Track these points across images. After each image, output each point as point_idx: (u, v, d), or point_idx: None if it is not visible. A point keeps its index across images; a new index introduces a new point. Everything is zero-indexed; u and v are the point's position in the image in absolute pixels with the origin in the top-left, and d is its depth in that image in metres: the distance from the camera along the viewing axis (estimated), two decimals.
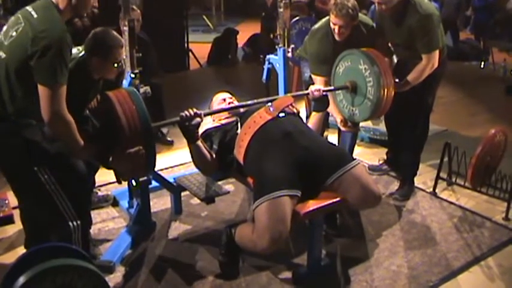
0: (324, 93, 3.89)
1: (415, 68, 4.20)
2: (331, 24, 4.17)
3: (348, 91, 4.09)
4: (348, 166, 3.32)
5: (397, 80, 4.16)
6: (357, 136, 4.87)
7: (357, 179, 3.29)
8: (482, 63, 10.46)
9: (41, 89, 2.82)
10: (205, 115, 3.42)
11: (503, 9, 12.82)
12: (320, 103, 3.88)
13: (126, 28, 3.63)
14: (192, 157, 3.54)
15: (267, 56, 4.89)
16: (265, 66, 4.94)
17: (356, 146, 4.97)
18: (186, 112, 3.30)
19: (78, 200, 3.24)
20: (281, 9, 4.51)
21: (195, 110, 3.30)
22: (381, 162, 5.17)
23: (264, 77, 4.99)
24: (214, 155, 3.59)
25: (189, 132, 3.37)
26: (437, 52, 4.18)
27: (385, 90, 3.88)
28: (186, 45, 9.78)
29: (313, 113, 3.92)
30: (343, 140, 4.78)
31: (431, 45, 4.15)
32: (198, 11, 16.20)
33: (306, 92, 3.98)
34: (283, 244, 3.16)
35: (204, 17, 16.13)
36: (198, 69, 10.07)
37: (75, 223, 3.14)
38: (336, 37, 4.20)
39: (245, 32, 11.42)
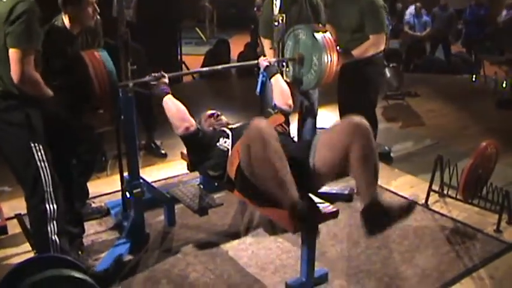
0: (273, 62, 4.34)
1: (362, 44, 4.73)
2: None
3: (295, 62, 4.47)
4: (314, 141, 3.35)
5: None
6: (315, 126, 5.21)
7: (325, 138, 3.30)
8: (474, 76, 10.54)
9: (13, 52, 2.98)
10: (170, 78, 3.87)
11: (494, 22, 12.94)
12: (271, 68, 4.31)
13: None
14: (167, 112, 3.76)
15: (261, 69, 4.91)
16: (259, 79, 4.94)
17: None
18: (154, 74, 3.72)
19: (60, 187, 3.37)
20: (276, 23, 4.52)
21: (161, 72, 3.76)
22: None
23: (258, 89, 4.98)
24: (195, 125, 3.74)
25: (158, 89, 3.75)
26: (383, 35, 4.78)
27: (329, 63, 4.23)
28: (179, 57, 9.82)
29: (272, 79, 4.27)
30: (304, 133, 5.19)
31: (379, 27, 4.77)
32: (191, 23, 16.26)
33: (256, 61, 4.50)
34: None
35: (197, 29, 16.19)
36: (191, 81, 10.11)
37: (51, 206, 3.25)
38: None
39: (239, 44, 11.48)
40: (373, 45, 4.78)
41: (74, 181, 3.81)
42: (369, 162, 3.13)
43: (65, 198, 3.43)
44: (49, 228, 3.24)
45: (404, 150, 6.12)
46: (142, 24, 7.21)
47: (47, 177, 3.22)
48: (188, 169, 4.12)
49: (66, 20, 3.65)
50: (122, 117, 3.63)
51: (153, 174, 5.25)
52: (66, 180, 3.59)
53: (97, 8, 3.73)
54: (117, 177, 4.25)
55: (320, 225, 3.45)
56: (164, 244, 4.06)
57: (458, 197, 4.59)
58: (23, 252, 3.81)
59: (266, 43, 5.07)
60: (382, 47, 4.82)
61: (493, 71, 10.04)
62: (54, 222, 3.26)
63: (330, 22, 5.05)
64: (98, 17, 3.90)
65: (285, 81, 4.37)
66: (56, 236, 3.25)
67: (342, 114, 5.14)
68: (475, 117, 7.66)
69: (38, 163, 3.19)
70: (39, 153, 3.19)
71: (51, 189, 3.24)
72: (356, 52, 4.79)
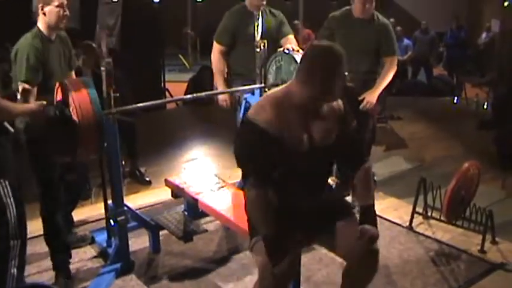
0: None
1: (381, 75, 4.82)
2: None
3: None
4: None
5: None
6: None
7: (344, 236, 3.12)
8: (456, 98, 10.64)
9: None
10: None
11: (475, 45, 13.11)
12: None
13: (103, 69, 3.67)
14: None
15: (244, 95, 4.92)
16: (242, 105, 4.95)
17: None
18: None
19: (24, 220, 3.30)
20: (258, 49, 4.55)
21: None
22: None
23: (241, 115, 5.00)
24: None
25: None
26: (396, 58, 4.84)
27: None
28: (162, 84, 9.85)
29: None
30: None
31: (395, 49, 4.89)
32: (174, 50, 16.32)
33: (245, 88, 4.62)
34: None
35: (181, 56, 16.24)
36: (175, 108, 10.12)
37: (15, 241, 3.19)
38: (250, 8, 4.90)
39: None
40: (391, 69, 4.80)
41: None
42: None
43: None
44: (10, 263, 3.20)
45: (388, 173, 6.15)
46: (125, 52, 7.25)
47: (12, 214, 3.15)
48: (172, 196, 4.12)
49: (42, 26, 3.66)
50: (106, 144, 3.63)
51: (137, 201, 5.23)
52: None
53: (66, 10, 3.71)
54: (102, 204, 4.24)
55: (305, 250, 3.45)
56: (149, 271, 4.04)
57: (442, 218, 4.61)
58: None
59: (217, 48, 5.06)
60: (395, 69, 4.84)
61: (474, 92, 10.16)
62: (17, 256, 3.23)
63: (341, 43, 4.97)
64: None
65: None
66: (15, 269, 3.21)
67: None
68: (457, 139, 7.72)
69: (4, 199, 3.13)
70: (5, 190, 3.13)
71: (16, 224, 3.18)
72: (381, 82, 4.79)
